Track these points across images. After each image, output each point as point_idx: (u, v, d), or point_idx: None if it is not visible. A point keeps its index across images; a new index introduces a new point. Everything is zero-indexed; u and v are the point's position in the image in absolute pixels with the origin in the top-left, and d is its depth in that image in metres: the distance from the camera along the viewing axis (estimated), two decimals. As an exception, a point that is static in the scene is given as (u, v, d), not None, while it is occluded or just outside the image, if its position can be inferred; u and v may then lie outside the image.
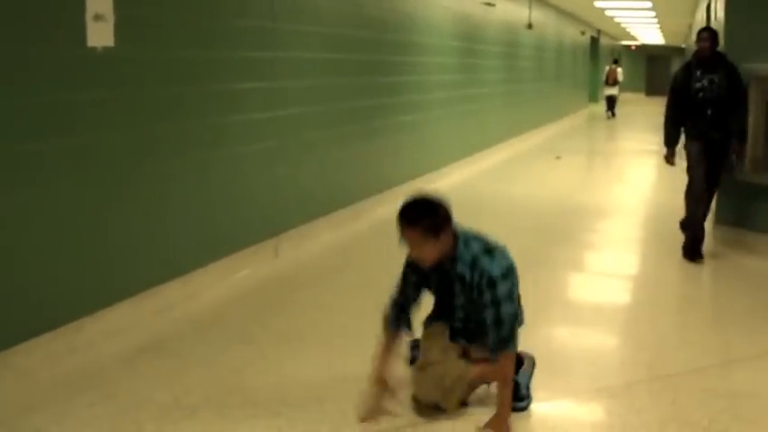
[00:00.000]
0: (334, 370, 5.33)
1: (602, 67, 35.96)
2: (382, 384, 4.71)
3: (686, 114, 8.36)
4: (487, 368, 4.62)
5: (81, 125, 5.55)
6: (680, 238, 8.49)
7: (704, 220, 8.57)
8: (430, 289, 4.80)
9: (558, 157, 17.41)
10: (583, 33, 32.74)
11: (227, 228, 7.27)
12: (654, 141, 22.63)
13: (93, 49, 5.59)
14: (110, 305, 5.87)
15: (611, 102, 31.80)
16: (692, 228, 8.44)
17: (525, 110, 21.11)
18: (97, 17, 5.57)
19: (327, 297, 6.97)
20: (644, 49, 53.06)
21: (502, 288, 4.44)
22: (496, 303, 4.44)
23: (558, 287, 7.53)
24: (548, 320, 6.44)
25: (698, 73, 8.20)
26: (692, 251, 8.39)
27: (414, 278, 4.71)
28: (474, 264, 4.48)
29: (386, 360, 4.75)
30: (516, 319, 4.60)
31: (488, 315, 4.46)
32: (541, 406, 4.87)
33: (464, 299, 4.62)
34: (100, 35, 5.63)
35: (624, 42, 50.59)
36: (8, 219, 5.03)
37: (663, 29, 37.05)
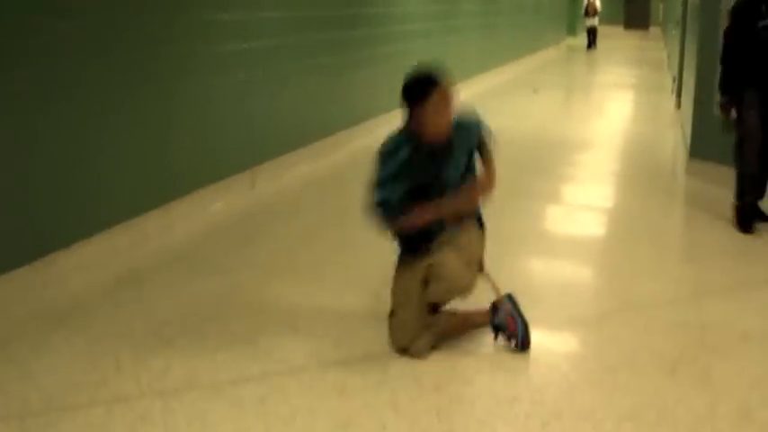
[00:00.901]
0: (310, 300, 5.36)
1: (582, -1, 35.89)
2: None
3: (746, 56, 7.06)
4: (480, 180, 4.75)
5: (58, 52, 5.52)
6: (657, 170, 8.49)
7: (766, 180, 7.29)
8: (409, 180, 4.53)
9: (535, 90, 17.38)
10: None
11: (202, 160, 7.26)
12: (632, 75, 22.66)
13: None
14: (85, 238, 5.87)
15: (593, 33, 32.06)
16: (751, 189, 7.20)
17: (503, 42, 21.02)
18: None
19: (304, 228, 6.99)
20: (623, -19, 52.79)
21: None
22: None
23: (534, 219, 7.56)
24: (524, 252, 6.49)
25: (764, 8, 6.92)
26: (748, 219, 7.16)
27: (396, 170, 4.50)
28: (458, 125, 4.61)
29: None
30: None
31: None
32: (515, 336, 4.93)
33: (460, 162, 4.65)
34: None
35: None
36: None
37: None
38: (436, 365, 4.48)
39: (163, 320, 4.98)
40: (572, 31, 37.34)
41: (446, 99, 4.44)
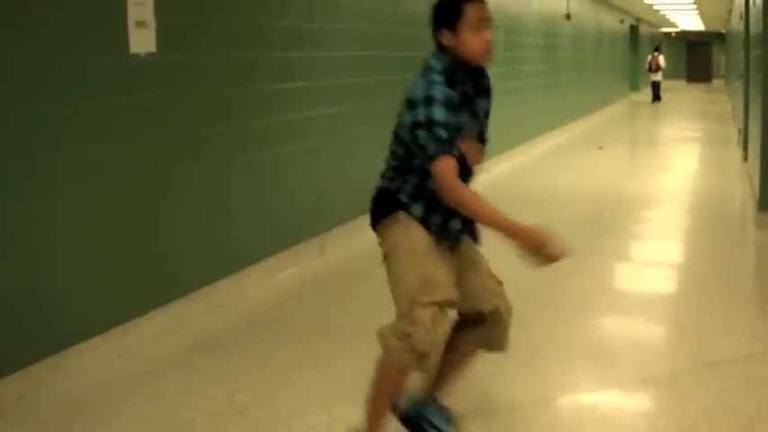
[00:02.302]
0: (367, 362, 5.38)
1: (643, 55, 36.08)
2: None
3: None
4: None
5: (127, 129, 5.65)
6: (726, 224, 8.43)
7: None
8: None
9: (600, 148, 17.34)
10: (622, 22, 32.59)
11: (273, 227, 7.35)
12: (697, 128, 22.54)
13: (136, 55, 5.68)
14: (161, 305, 5.96)
15: (656, 87, 32.79)
16: None
17: (566, 101, 21.03)
18: (139, 24, 5.66)
19: (375, 293, 6.97)
20: (684, 35, 52.65)
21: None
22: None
23: (603, 277, 7.54)
24: (594, 311, 6.47)
25: None
26: None
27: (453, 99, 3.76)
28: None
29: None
30: None
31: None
32: (589, 396, 4.92)
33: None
34: (142, 41, 5.72)
35: (664, 30, 50.25)
36: (59, 221, 5.13)
37: (702, 15, 36.78)
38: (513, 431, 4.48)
39: (238, 387, 5.02)
40: (635, 86, 37.27)
41: (483, 15, 3.75)
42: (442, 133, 3.64)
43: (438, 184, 3.71)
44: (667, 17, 38.62)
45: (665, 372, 5.25)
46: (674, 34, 52.18)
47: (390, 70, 9.67)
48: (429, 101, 3.69)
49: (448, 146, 3.67)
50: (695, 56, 53.05)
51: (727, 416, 4.57)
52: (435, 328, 3.74)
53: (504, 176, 13.46)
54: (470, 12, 3.72)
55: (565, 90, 21.06)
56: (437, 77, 3.75)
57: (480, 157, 4.04)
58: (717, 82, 48.63)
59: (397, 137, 3.97)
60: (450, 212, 3.86)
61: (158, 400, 4.89)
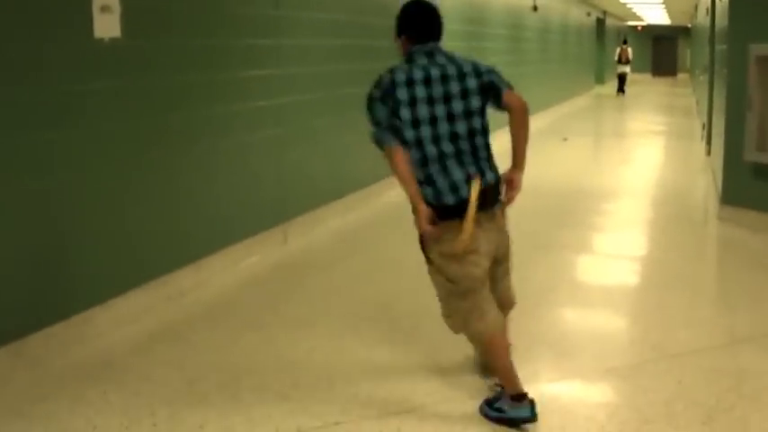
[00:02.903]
0: (345, 353, 5.38)
1: (609, 48, 36.33)
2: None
3: None
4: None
5: (90, 115, 5.60)
6: (688, 217, 8.48)
7: None
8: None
9: (564, 139, 17.40)
10: (588, 14, 32.72)
11: (235, 215, 7.32)
12: (661, 122, 22.66)
13: (101, 40, 5.64)
14: (121, 293, 5.93)
15: (622, 80, 32.96)
16: None
17: (531, 92, 20.90)
18: (104, 9, 5.61)
19: (337, 282, 7.02)
20: (650, 29, 52.89)
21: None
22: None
23: (565, 269, 7.56)
24: (556, 302, 6.49)
25: None
26: None
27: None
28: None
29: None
30: None
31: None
32: (550, 387, 4.93)
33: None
34: (106, 27, 5.67)
35: (630, 23, 50.47)
36: (19, 210, 5.09)
37: (669, 9, 36.94)
38: (466, 418, 4.49)
39: (197, 376, 5.01)
40: (600, 79, 37.41)
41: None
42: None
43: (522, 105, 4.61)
44: (634, 11, 38.78)
45: (627, 363, 5.28)
46: (640, 28, 52.43)
47: (356, 59, 9.65)
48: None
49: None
50: (661, 50, 53.31)
51: (687, 407, 4.59)
52: None
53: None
54: None
55: (530, 82, 21.07)
56: None
57: None
58: (682, 76, 48.96)
59: (472, 123, 4.52)
60: None
61: (119, 387, 4.87)
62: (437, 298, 4.59)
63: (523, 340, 5.45)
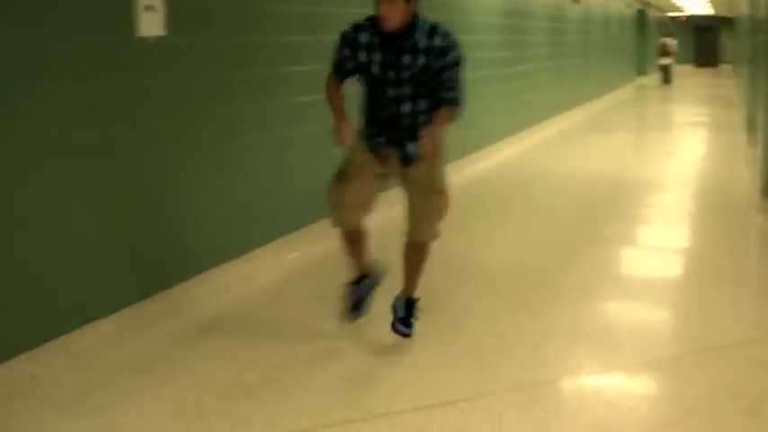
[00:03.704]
0: (388, 348, 5.42)
1: (650, 39, 36.24)
2: (348, 119, 5.17)
3: None
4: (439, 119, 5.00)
5: (134, 113, 5.68)
6: (731, 209, 8.43)
7: None
8: (361, 70, 5.10)
9: (606, 132, 17.33)
10: (629, 6, 32.54)
11: (278, 210, 7.37)
12: (703, 113, 22.52)
13: (145, 38, 5.71)
14: (167, 287, 6.01)
15: (666, 71, 34.05)
16: None
17: (573, 85, 21.02)
18: (148, 8, 5.69)
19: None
20: (692, 19, 52.47)
21: (459, 54, 4.94)
22: (455, 65, 4.92)
23: (608, 261, 7.56)
24: (599, 295, 6.51)
25: None
26: None
27: (348, 52, 5.11)
28: (433, 31, 4.86)
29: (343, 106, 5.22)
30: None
31: (446, 76, 4.93)
32: (593, 379, 4.97)
33: (415, 70, 4.89)
34: (150, 25, 5.75)
35: (672, 14, 50.09)
36: (65, 206, 5.18)
37: (711, -1, 36.72)
38: (517, 412, 4.52)
39: (244, 369, 5.06)
40: (642, 71, 37.18)
41: None
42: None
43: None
44: (675, 1, 38.50)
45: (669, 355, 5.29)
46: (684, 18, 52.01)
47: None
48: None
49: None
50: (703, 40, 52.89)
51: (730, 398, 4.60)
52: None
53: (511, 160, 13.50)
54: None
55: (572, 74, 21.04)
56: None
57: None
58: (724, 67, 48.51)
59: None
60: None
61: (167, 380, 4.94)
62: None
63: (567, 333, 5.50)
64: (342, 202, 5.25)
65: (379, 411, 4.51)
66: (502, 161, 13.28)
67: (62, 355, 5.08)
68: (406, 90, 4.99)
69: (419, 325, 5.37)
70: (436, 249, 5.27)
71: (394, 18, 4.82)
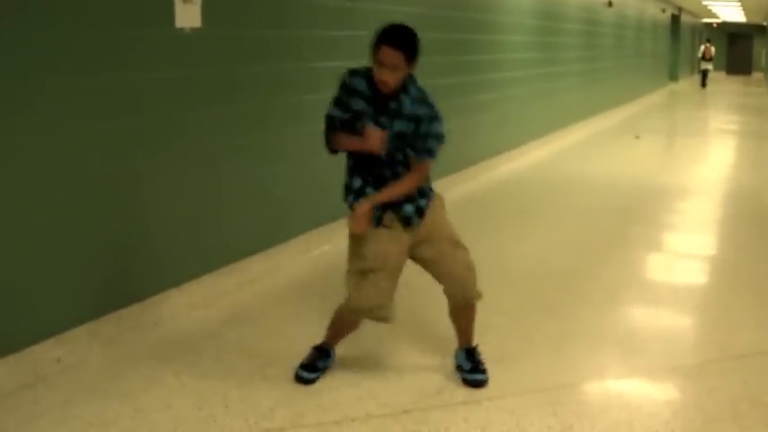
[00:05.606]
0: (413, 343, 5.44)
1: (683, 45, 36.72)
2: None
3: None
4: (404, 181, 4.86)
5: (170, 103, 5.73)
6: (757, 217, 8.40)
7: None
8: (354, 120, 4.88)
9: (637, 137, 17.28)
10: (663, 11, 32.42)
11: (306, 203, 7.40)
12: (734, 121, 22.42)
13: (181, 29, 5.75)
14: (195, 278, 6.05)
15: (705, 75, 36.63)
16: None
17: (604, 88, 20.96)
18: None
19: (407, 270, 7.05)
20: (724, 26, 52.25)
21: (439, 127, 4.83)
22: (431, 135, 4.80)
23: (635, 267, 7.55)
24: (624, 300, 6.50)
25: None
26: None
27: (345, 99, 4.89)
28: (421, 100, 4.75)
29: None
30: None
31: (420, 140, 4.79)
32: (617, 383, 4.98)
33: (395, 132, 4.73)
34: (188, 16, 5.79)
35: (705, 20, 49.87)
36: (101, 194, 5.22)
37: (744, 6, 36.48)
38: (540, 413, 4.54)
39: (268, 361, 5.10)
40: (674, 76, 37.07)
41: (396, 61, 4.58)
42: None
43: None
44: (709, 8, 38.35)
45: (693, 362, 5.29)
46: (715, 25, 51.80)
47: (429, 52, 9.67)
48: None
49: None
50: (735, 47, 52.69)
51: (753, 407, 4.61)
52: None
53: (540, 162, 13.49)
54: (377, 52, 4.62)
55: (604, 77, 20.98)
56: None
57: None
58: (756, 74, 48.26)
59: None
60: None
61: (192, 369, 4.99)
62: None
63: (591, 336, 5.51)
64: (386, 302, 4.87)
65: (403, 407, 4.53)
66: (532, 163, 13.27)
67: (89, 339, 5.14)
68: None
69: (445, 323, 5.36)
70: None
71: (394, 84, 4.67)
